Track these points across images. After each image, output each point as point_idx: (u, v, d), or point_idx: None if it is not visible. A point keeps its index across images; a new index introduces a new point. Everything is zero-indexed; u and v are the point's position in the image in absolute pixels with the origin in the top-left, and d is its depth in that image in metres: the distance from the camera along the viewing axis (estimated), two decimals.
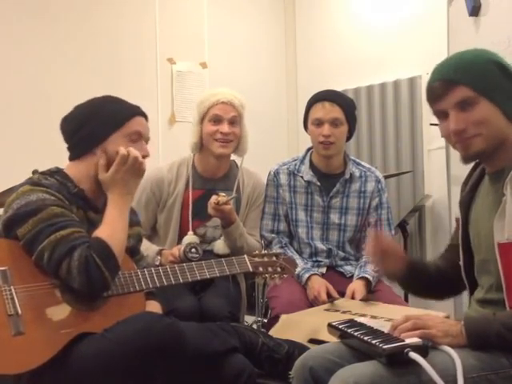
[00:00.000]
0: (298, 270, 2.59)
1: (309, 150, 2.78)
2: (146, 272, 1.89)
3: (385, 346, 1.36)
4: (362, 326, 1.56)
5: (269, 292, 2.69)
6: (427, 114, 4.03)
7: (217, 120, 2.56)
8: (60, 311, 1.70)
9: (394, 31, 4.39)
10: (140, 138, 1.91)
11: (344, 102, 2.64)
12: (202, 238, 2.58)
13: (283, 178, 2.72)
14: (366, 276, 2.58)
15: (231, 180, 2.69)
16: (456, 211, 1.71)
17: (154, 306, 1.95)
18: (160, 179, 2.61)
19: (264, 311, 3.23)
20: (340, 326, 1.60)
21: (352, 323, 1.60)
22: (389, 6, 4.44)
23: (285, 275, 2.24)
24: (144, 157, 1.89)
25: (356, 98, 4.35)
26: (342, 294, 2.54)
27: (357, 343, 1.51)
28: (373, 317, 2.07)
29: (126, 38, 4.08)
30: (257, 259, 2.17)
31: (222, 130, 2.55)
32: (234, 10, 4.70)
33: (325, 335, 1.77)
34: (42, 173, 1.89)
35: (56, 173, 1.88)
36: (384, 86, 4.39)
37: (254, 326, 3.20)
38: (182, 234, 2.58)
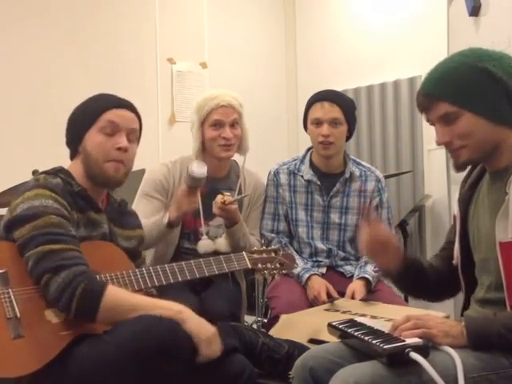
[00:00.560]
0: (298, 270, 2.59)
1: (309, 149, 2.78)
2: (144, 272, 1.88)
3: (385, 346, 1.36)
4: (362, 326, 1.56)
5: (269, 292, 2.69)
6: None
7: (218, 125, 2.55)
8: (59, 313, 1.69)
9: (393, 31, 4.39)
10: (117, 129, 1.87)
11: (343, 102, 2.64)
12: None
13: (283, 178, 2.72)
14: (366, 276, 2.58)
15: (233, 179, 2.69)
16: (454, 209, 1.70)
17: None
18: (166, 172, 2.59)
19: (264, 311, 3.23)
20: (340, 326, 1.60)
21: (352, 323, 1.60)
22: (389, 6, 4.44)
23: (284, 271, 2.23)
24: (120, 149, 1.86)
25: (356, 98, 4.35)
26: (342, 294, 2.54)
27: (357, 343, 1.51)
28: (373, 317, 2.07)
29: (126, 38, 4.08)
30: (255, 255, 2.16)
31: (224, 134, 2.53)
32: (233, 10, 4.70)
33: (325, 335, 1.77)
34: (47, 172, 1.88)
35: (60, 171, 1.89)
36: (384, 86, 4.40)
37: (254, 326, 3.20)
38: (184, 232, 2.57)
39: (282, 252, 2.23)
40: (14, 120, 3.57)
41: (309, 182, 2.70)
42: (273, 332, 2.18)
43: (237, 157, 2.74)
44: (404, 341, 1.37)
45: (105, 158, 1.86)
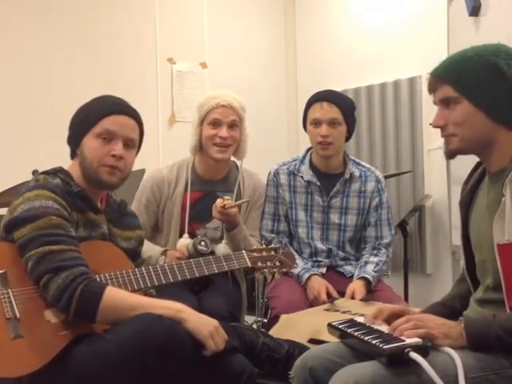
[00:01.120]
0: (297, 269, 2.59)
1: (309, 149, 2.78)
2: (144, 271, 1.88)
3: (385, 346, 1.36)
4: (362, 325, 1.56)
5: (269, 292, 2.69)
6: (427, 114, 4.04)
7: (216, 124, 2.55)
8: (58, 313, 1.69)
9: (393, 31, 4.39)
10: (114, 137, 1.86)
11: (342, 103, 2.64)
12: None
13: (283, 178, 2.72)
14: (366, 276, 2.58)
15: (231, 182, 2.68)
16: (456, 211, 1.70)
17: None
18: (160, 180, 2.61)
19: (264, 311, 3.22)
20: (340, 326, 1.60)
21: (352, 323, 1.60)
22: (389, 6, 4.45)
23: (284, 269, 2.23)
24: (113, 156, 1.85)
25: (356, 98, 4.35)
26: (342, 294, 2.54)
27: (357, 343, 1.51)
28: None
29: (126, 38, 4.08)
30: (255, 254, 2.16)
31: (220, 134, 2.54)
32: (233, 10, 4.70)
33: (325, 335, 1.77)
34: (46, 173, 1.89)
35: (59, 171, 1.89)
36: (384, 86, 4.40)
37: (254, 326, 3.20)
38: (181, 233, 2.57)
39: (281, 250, 2.23)
40: (14, 120, 3.57)
41: (309, 182, 2.69)
42: (273, 332, 2.18)
43: (236, 159, 2.74)
44: (404, 341, 1.37)
45: (99, 163, 1.86)
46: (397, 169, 4.29)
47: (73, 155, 1.95)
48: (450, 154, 1.61)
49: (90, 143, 1.87)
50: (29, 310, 1.68)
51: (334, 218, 2.69)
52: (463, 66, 1.53)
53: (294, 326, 2.19)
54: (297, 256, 2.64)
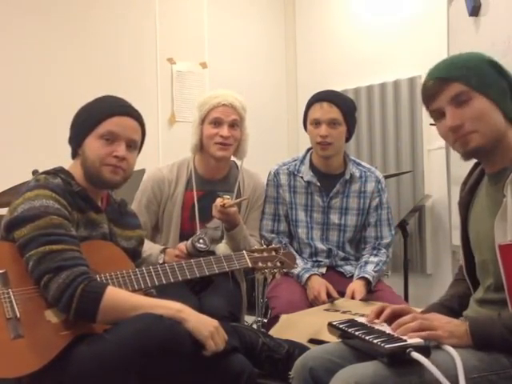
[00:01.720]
0: (297, 270, 2.59)
1: (309, 150, 2.78)
2: (144, 271, 1.88)
3: (386, 346, 1.36)
4: (362, 325, 1.56)
5: (269, 292, 2.69)
6: (427, 114, 4.03)
7: (217, 123, 2.55)
8: (58, 313, 1.69)
9: (393, 31, 4.39)
10: (116, 138, 1.86)
11: (343, 103, 2.63)
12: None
13: (283, 179, 2.72)
14: (366, 276, 2.58)
15: (231, 181, 2.68)
16: (456, 211, 1.70)
17: None
18: (161, 179, 2.61)
19: (264, 311, 3.22)
20: (340, 326, 1.60)
21: (352, 323, 1.60)
22: (389, 7, 4.45)
23: (284, 269, 2.23)
24: (116, 157, 1.85)
25: (356, 98, 4.36)
26: (342, 294, 2.54)
27: (358, 343, 1.51)
28: None
29: (126, 38, 4.08)
30: (256, 254, 2.16)
31: (221, 133, 2.54)
32: (233, 10, 4.70)
33: (325, 335, 1.77)
34: (47, 172, 1.89)
35: (60, 171, 1.89)
36: (384, 86, 4.40)
37: (254, 326, 3.20)
38: (182, 235, 2.57)
39: (282, 251, 2.22)
40: (14, 120, 3.57)
41: (309, 182, 2.69)
42: (273, 332, 2.18)
43: (236, 159, 2.74)
44: (405, 340, 1.37)
45: (101, 163, 1.86)
46: (397, 169, 4.29)
47: (74, 155, 1.94)
48: (471, 153, 1.53)
49: (93, 144, 1.87)
50: (29, 310, 1.68)
51: (334, 218, 2.69)
52: (468, 63, 1.51)
53: (294, 326, 2.19)
54: (297, 256, 2.63)
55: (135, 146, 1.93)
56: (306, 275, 2.59)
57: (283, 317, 2.28)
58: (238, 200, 2.54)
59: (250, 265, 2.13)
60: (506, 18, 2.72)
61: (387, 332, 1.46)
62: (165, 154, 4.13)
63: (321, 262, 2.70)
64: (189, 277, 1.96)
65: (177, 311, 1.70)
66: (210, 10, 4.52)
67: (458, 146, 1.53)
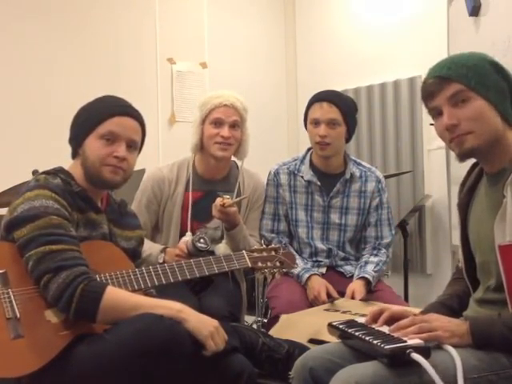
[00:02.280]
0: (297, 270, 2.59)
1: (309, 149, 2.78)
2: (144, 271, 1.88)
3: (386, 347, 1.36)
4: (362, 326, 1.56)
5: (269, 292, 2.69)
6: (427, 114, 4.02)
7: (218, 123, 2.55)
8: (58, 313, 1.69)
9: (393, 31, 4.39)
10: (117, 138, 1.86)
11: (342, 103, 2.63)
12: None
13: (283, 178, 2.72)
14: (366, 276, 2.58)
15: (231, 181, 2.68)
16: (456, 211, 1.70)
17: None
18: (161, 179, 2.61)
19: (264, 311, 3.22)
20: (340, 326, 1.60)
21: (352, 323, 1.60)
22: (389, 6, 4.45)
23: (284, 269, 2.23)
24: (116, 158, 1.85)
25: (356, 98, 4.35)
26: (342, 294, 2.54)
27: (358, 343, 1.51)
28: None
29: (126, 37, 4.08)
30: (255, 254, 2.16)
31: (222, 133, 2.54)
32: (233, 10, 4.70)
33: (325, 335, 1.77)
34: (47, 173, 1.88)
35: (60, 171, 1.89)
36: (384, 86, 4.40)
37: (254, 326, 3.20)
38: (182, 235, 2.57)
39: (282, 251, 2.22)
40: (14, 120, 3.57)
41: (309, 182, 2.69)
42: (273, 332, 2.18)
43: (237, 159, 2.74)
44: (405, 341, 1.37)
45: (102, 163, 1.86)
46: (397, 169, 4.29)
47: (74, 155, 1.94)
48: (465, 154, 1.53)
49: (93, 144, 1.86)
50: (29, 310, 1.68)
51: (335, 217, 2.69)
52: (469, 63, 1.50)
53: (294, 326, 2.19)
54: (297, 256, 2.64)
55: (135, 146, 1.93)
56: (306, 275, 2.59)
57: (283, 317, 2.28)
58: (238, 199, 2.54)
59: (249, 265, 2.13)
60: (506, 18, 2.72)
61: (387, 332, 1.46)
62: (165, 154, 4.12)
63: (321, 261, 2.70)
64: (189, 277, 1.96)
65: (177, 311, 1.70)
66: (210, 10, 4.52)
67: (453, 145, 1.53)
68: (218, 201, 2.42)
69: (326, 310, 2.35)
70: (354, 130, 2.72)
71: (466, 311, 1.63)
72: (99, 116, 1.88)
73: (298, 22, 5.03)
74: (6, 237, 1.77)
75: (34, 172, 2.11)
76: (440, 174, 3.90)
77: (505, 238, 1.44)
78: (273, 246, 2.25)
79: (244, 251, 2.15)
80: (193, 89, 4.37)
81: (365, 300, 2.46)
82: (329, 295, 2.51)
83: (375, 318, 1.57)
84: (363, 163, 2.81)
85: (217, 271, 2.03)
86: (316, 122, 2.62)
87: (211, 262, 2.02)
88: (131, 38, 4.11)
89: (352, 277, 2.65)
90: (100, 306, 1.66)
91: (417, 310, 1.72)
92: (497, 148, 1.51)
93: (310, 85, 4.37)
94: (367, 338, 1.44)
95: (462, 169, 1.72)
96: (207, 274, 2.00)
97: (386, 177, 3.27)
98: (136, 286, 1.84)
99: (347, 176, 2.69)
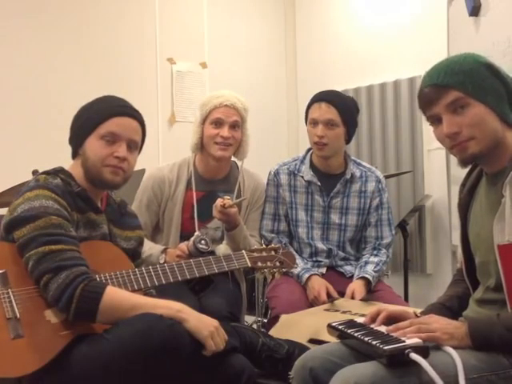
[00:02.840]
0: (297, 270, 2.59)
1: (309, 150, 2.78)
2: (144, 271, 1.88)
3: (385, 347, 1.36)
4: (361, 326, 1.56)
5: (269, 292, 2.69)
6: None
7: (218, 123, 2.55)
8: (58, 313, 1.69)
9: (394, 31, 4.39)
10: (117, 138, 1.86)
11: (341, 104, 2.62)
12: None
13: (283, 178, 2.72)
14: (366, 276, 2.58)
15: (232, 182, 2.69)
16: (456, 211, 1.70)
17: None
18: (161, 179, 2.61)
19: (264, 311, 3.23)
20: (340, 327, 1.60)
21: (352, 324, 1.60)
22: (389, 6, 4.45)
23: (284, 269, 2.23)
24: (117, 158, 1.85)
25: (356, 98, 4.32)
26: (342, 294, 2.54)
27: (357, 344, 1.51)
28: None
29: (126, 37, 4.08)
30: (255, 254, 2.16)
31: (222, 133, 2.54)
32: (233, 10, 4.70)
33: (325, 335, 1.77)
34: (47, 173, 1.88)
35: (60, 171, 1.89)
36: (384, 86, 4.40)
37: (254, 326, 3.20)
38: (183, 235, 2.57)
39: (282, 250, 2.22)
40: (14, 120, 3.57)
41: (309, 182, 2.69)
42: (273, 332, 2.18)
43: (237, 159, 2.74)
44: (404, 342, 1.37)
45: (102, 163, 1.86)
46: (397, 169, 4.29)
47: (74, 155, 1.94)
48: (469, 160, 1.53)
49: (94, 144, 1.86)
50: (29, 310, 1.68)
51: (335, 218, 2.69)
52: (464, 68, 1.49)
53: (294, 326, 2.19)
54: (297, 256, 2.64)
55: (136, 146, 1.93)
56: (306, 275, 2.59)
57: (283, 317, 2.28)
58: (238, 200, 2.54)
59: (249, 264, 2.13)
60: (506, 17, 2.73)
61: (386, 333, 1.46)
62: (165, 154, 4.13)
63: (321, 261, 2.70)
64: (188, 277, 1.96)
65: (177, 311, 1.70)
66: (209, 10, 4.52)
67: (454, 151, 1.53)
68: (219, 201, 2.42)
69: (326, 310, 2.35)
70: (354, 131, 2.71)
71: (465, 311, 1.63)
72: (100, 116, 1.88)
73: (297, 21, 5.03)
74: (6, 237, 1.77)
75: (34, 172, 2.10)
76: (440, 174, 3.90)
77: (504, 238, 1.44)
78: (272, 245, 2.25)
79: (244, 251, 2.15)
80: (193, 89, 4.37)
81: (365, 300, 2.46)
82: (329, 295, 2.51)
83: (374, 319, 1.57)
84: (363, 163, 2.81)
85: (217, 271, 2.03)
86: (314, 122, 2.62)
87: (211, 262, 2.02)
88: (131, 38, 4.11)
89: (352, 277, 2.65)
90: (100, 305, 1.66)
91: (416, 310, 1.72)
92: (497, 149, 1.51)
93: (309, 85, 4.38)
94: (366, 339, 1.45)
95: (462, 169, 1.71)
96: (207, 273, 2.00)
97: (386, 177, 3.27)
98: (136, 286, 1.84)
99: (348, 176, 2.69)
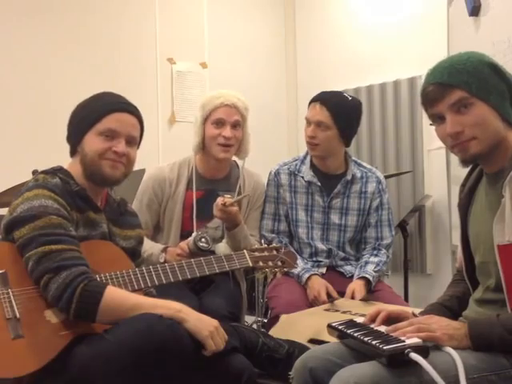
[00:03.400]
0: (297, 270, 2.59)
1: None
2: (144, 271, 1.87)
3: (385, 347, 1.36)
4: (361, 326, 1.56)
5: (269, 292, 2.69)
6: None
7: (219, 123, 2.55)
8: (58, 313, 1.69)
9: (393, 31, 4.40)
10: (116, 135, 1.86)
11: (337, 107, 2.57)
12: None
13: (284, 178, 2.72)
14: (366, 276, 2.58)
15: (232, 181, 2.68)
16: (456, 211, 1.70)
17: None
18: (162, 179, 2.61)
19: (264, 311, 3.23)
20: (340, 327, 1.60)
21: (351, 324, 1.60)
22: (389, 6, 4.45)
23: (285, 269, 2.22)
24: (115, 153, 1.84)
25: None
26: (342, 294, 2.53)
27: (357, 344, 1.51)
28: None
29: (126, 37, 4.08)
30: (257, 254, 2.15)
31: (224, 134, 2.53)
32: (234, 10, 4.70)
33: (325, 335, 1.77)
34: (46, 172, 1.88)
35: (59, 170, 1.89)
36: (384, 86, 4.40)
37: (254, 326, 3.20)
38: (183, 234, 2.58)
39: (283, 250, 2.22)
40: (14, 120, 3.57)
41: (309, 182, 2.69)
42: (273, 332, 2.18)
43: (238, 159, 2.73)
44: (404, 341, 1.37)
45: (101, 157, 1.85)
46: (397, 169, 4.29)
47: (72, 153, 1.93)
48: (471, 160, 1.54)
49: (92, 141, 1.86)
50: (29, 310, 1.68)
51: (335, 218, 2.69)
52: (468, 67, 1.49)
53: (294, 326, 2.19)
54: (297, 256, 2.64)
55: (135, 141, 1.93)
56: (306, 275, 2.59)
57: (283, 317, 2.28)
58: (239, 197, 2.53)
59: (250, 264, 2.12)
60: (506, 18, 2.73)
61: (386, 333, 1.46)
62: (165, 154, 4.13)
63: (321, 262, 2.70)
64: (189, 276, 1.95)
65: (176, 311, 1.70)
66: (210, 10, 4.52)
67: (456, 151, 1.53)
68: (219, 200, 2.42)
69: (326, 309, 2.35)
70: (352, 134, 2.67)
71: (465, 311, 1.63)
72: (97, 113, 1.87)
73: (297, 22, 5.03)
74: (6, 237, 1.77)
75: (34, 172, 2.09)
76: (440, 174, 3.90)
77: (504, 238, 1.44)
78: (274, 245, 2.25)
79: (245, 251, 2.14)
80: (193, 89, 4.38)
81: (365, 300, 2.46)
82: (329, 295, 2.51)
83: (373, 319, 1.57)
84: (364, 164, 2.80)
85: (217, 271, 2.02)
86: (308, 122, 2.64)
87: (212, 262, 2.02)
88: (131, 37, 4.11)
89: (352, 277, 2.65)
90: (100, 305, 1.66)
91: (416, 310, 1.72)
92: (498, 150, 1.51)
93: (309, 85, 4.38)
94: (366, 339, 1.45)
95: (462, 169, 1.71)
96: (208, 273, 2.00)
97: (386, 177, 3.27)
98: (136, 286, 1.84)
99: (348, 177, 2.69)
